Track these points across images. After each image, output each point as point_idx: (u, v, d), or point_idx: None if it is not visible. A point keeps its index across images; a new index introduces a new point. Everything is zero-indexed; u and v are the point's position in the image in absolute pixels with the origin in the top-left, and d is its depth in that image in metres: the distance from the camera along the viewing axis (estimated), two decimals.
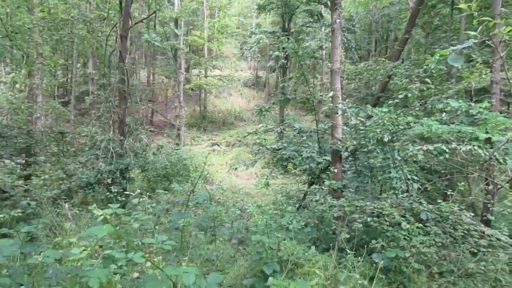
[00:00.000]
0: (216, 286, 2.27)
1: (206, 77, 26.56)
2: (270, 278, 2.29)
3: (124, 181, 9.62)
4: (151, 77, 27.45)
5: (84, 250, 2.39)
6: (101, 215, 1.97)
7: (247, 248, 5.07)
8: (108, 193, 9.39)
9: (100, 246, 2.83)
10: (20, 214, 4.08)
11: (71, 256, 2.27)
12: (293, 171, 8.45)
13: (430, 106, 5.85)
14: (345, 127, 7.67)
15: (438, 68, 6.24)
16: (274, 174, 15.56)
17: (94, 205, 2.17)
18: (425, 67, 5.58)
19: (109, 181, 9.82)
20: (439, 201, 5.41)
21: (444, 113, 6.34)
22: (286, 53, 18.94)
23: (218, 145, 8.04)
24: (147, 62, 27.35)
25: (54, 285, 2.46)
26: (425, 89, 5.82)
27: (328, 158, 7.76)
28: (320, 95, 9.45)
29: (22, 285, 2.53)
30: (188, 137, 22.53)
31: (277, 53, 22.37)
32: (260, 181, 11.66)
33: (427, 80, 6.14)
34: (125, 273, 2.95)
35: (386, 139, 5.48)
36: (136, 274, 3.01)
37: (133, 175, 11.22)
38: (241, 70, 34.22)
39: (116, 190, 7.13)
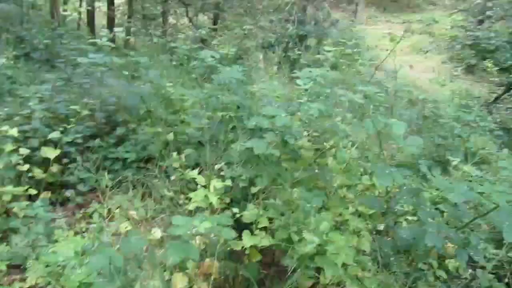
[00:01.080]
0: (416, 147, 2.33)
1: None
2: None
3: (302, 47, 9.93)
4: None
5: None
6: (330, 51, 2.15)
7: (423, 135, 4.90)
8: (284, 57, 9.93)
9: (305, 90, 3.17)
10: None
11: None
12: (483, 71, 7.11)
13: None
14: None
15: None
16: (456, 73, 13.61)
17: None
18: None
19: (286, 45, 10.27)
20: None
21: None
22: None
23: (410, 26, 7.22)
24: None
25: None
26: None
27: None
28: None
29: (244, 105, 3.14)
30: (365, 15, 20.87)
31: None
32: (437, 78, 10.45)
33: None
34: None
35: None
36: None
37: (310, 45, 11.42)
38: None
39: (297, 53, 7.47)
